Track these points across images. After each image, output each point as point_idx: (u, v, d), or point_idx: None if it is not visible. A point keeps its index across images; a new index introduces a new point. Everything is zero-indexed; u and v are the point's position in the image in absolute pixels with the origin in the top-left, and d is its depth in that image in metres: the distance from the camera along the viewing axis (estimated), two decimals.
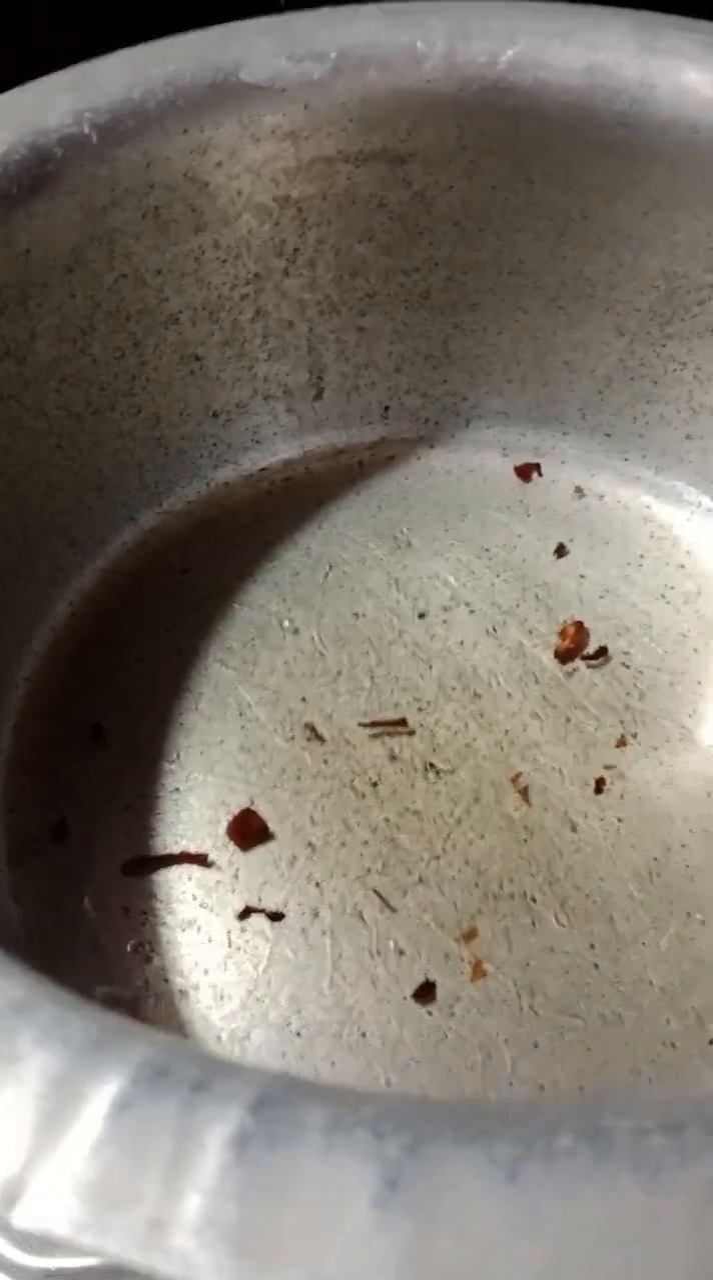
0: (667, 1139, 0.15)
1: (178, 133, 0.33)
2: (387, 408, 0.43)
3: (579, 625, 0.39)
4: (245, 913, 0.33)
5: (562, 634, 0.39)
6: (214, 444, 0.41)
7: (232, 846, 0.34)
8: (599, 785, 0.35)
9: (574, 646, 0.38)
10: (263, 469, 0.42)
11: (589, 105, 0.34)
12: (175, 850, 0.34)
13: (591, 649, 0.38)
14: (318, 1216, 0.14)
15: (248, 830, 0.34)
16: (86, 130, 0.31)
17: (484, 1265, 0.14)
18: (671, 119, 0.34)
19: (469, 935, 0.32)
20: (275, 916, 0.32)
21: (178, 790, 0.35)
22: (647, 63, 0.34)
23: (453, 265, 0.39)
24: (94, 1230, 0.14)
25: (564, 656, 0.38)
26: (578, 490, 0.42)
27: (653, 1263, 0.14)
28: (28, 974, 0.18)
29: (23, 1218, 0.14)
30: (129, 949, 0.32)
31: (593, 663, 0.38)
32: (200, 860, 0.34)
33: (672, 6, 0.36)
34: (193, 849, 0.34)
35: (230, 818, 0.34)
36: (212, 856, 0.34)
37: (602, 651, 0.38)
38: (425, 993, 0.31)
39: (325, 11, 0.34)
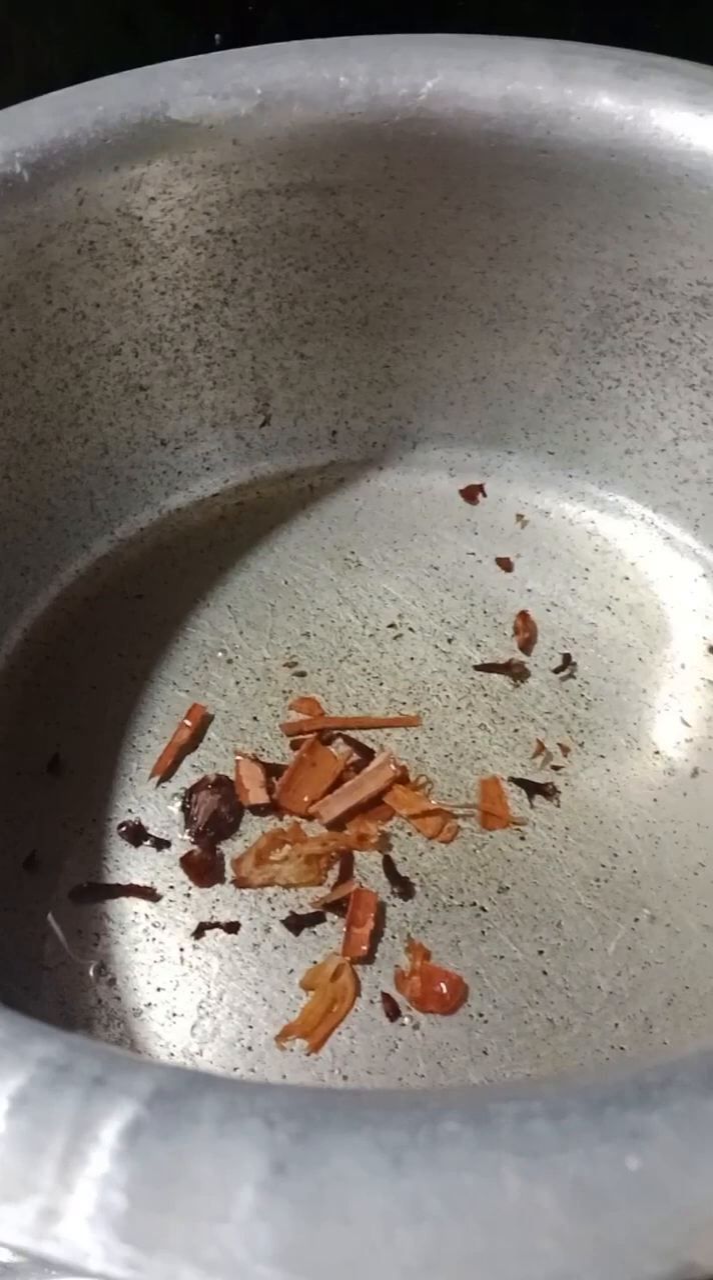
0: (549, 1123, 0.16)
1: (109, 170, 0.34)
2: (335, 432, 0.44)
3: (523, 614, 0.39)
4: (200, 930, 0.33)
5: (515, 631, 0.39)
6: (164, 471, 0.42)
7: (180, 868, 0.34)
8: (547, 794, 0.36)
9: (530, 635, 0.39)
10: (214, 495, 0.43)
11: (509, 133, 0.35)
12: (126, 878, 0.34)
13: (556, 661, 0.39)
14: (205, 1203, 0.15)
15: (196, 867, 0.34)
16: (18, 169, 0.32)
17: (363, 1252, 0.14)
18: (587, 143, 0.35)
19: (414, 953, 0.32)
20: (231, 927, 0.33)
21: (131, 813, 0.35)
22: (563, 90, 0.35)
23: (389, 291, 0.40)
24: None
25: (526, 647, 0.39)
26: (520, 518, 0.43)
27: (526, 1251, 0.15)
28: None
29: None
30: (80, 971, 0.32)
31: (562, 673, 0.38)
32: (148, 894, 0.34)
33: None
34: (146, 871, 0.34)
35: (186, 853, 0.35)
36: (162, 879, 0.34)
37: (567, 660, 0.39)
38: (386, 1003, 0.32)
39: (248, 50, 0.35)
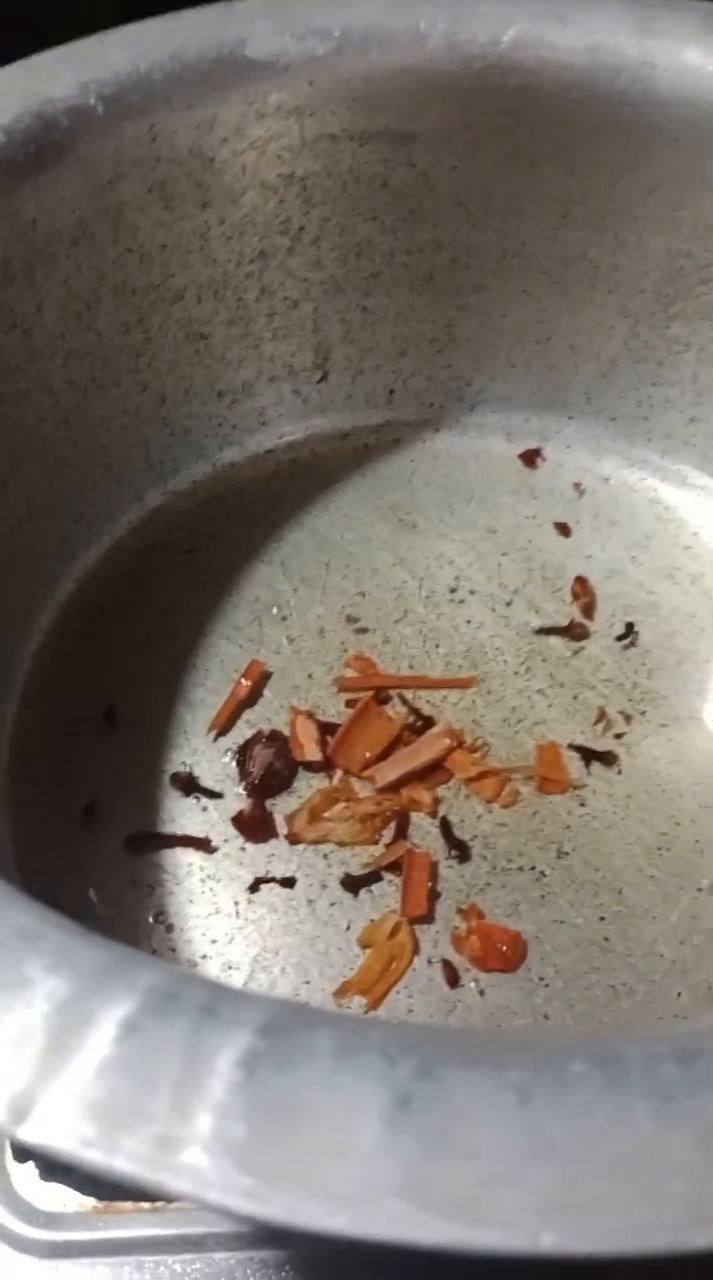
0: (679, 1067, 0.15)
1: (183, 107, 0.33)
2: (392, 391, 0.43)
3: (579, 579, 0.39)
4: (255, 885, 0.32)
5: (573, 596, 0.39)
6: (220, 425, 0.41)
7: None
8: (606, 762, 0.35)
9: (590, 599, 0.38)
10: (269, 451, 0.42)
11: (590, 84, 0.34)
12: (180, 830, 0.34)
13: (618, 628, 0.38)
14: (327, 1135, 0.14)
15: (248, 825, 0.34)
16: (93, 102, 0.32)
17: (492, 1188, 0.14)
18: (671, 97, 0.34)
19: (469, 913, 0.32)
20: (287, 882, 0.32)
21: (185, 765, 0.35)
22: (645, 42, 0.34)
23: (456, 247, 0.39)
24: (102, 1147, 0.14)
25: (587, 611, 0.38)
26: (577, 486, 0.42)
27: (658, 1192, 0.14)
28: (35, 905, 0.17)
29: (29, 1134, 0.14)
30: (134, 922, 0.32)
31: (624, 641, 0.38)
32: (203, 845, 0.33)
33: None
34: (200, 824, 0.34)
35: (237, 812, 0.34)
36: (217, 832, 0.34)
37: (629, 629, 0.38)
38: (446, 969, 0.31)
39: None
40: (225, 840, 0.33)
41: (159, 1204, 0.30)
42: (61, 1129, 0.14)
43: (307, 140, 0.36)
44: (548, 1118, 0.14)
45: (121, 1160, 0.14)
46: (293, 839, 0.33)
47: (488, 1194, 0.14)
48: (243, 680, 0.36)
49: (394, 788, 0.34)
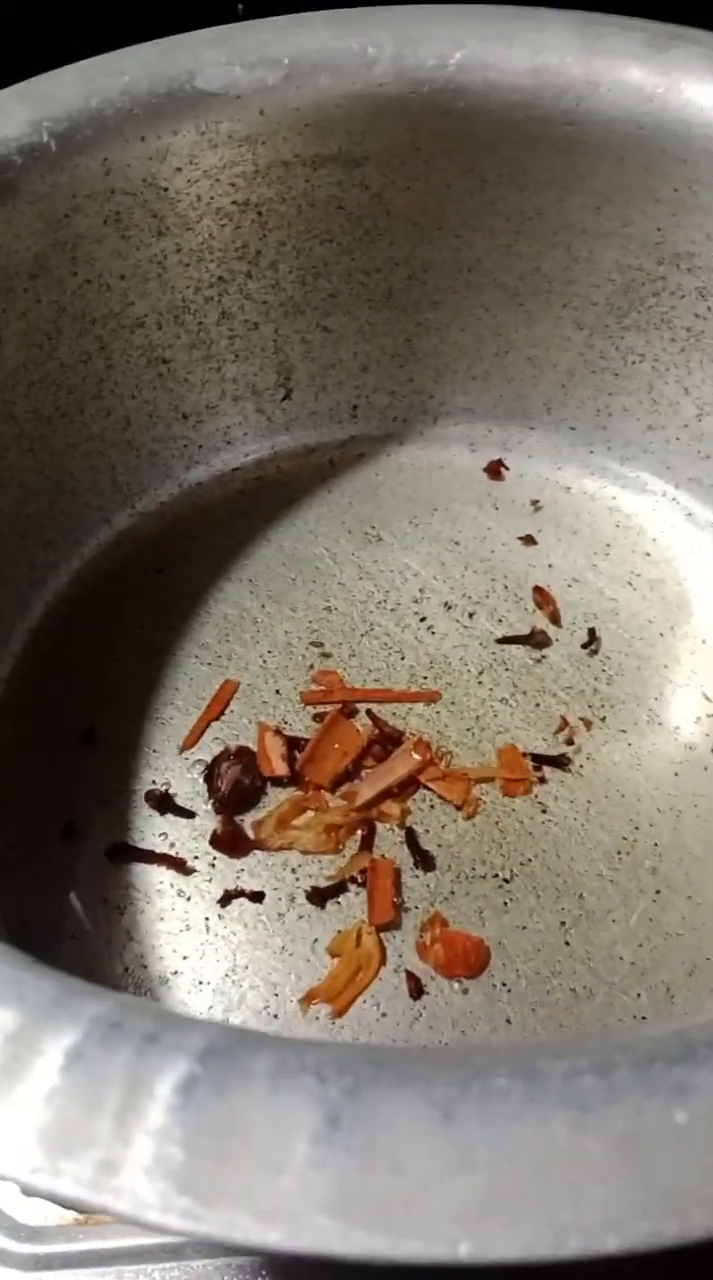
0: (597, 1079, 0.16)
1: (136, 140, 0.34)
2: (355, 406, 0.44)
3: (538, 588, 0.40)
4: (226, 898, 0.33)
5: (535, 605, 0.39)
6: (185, 445, 0.42)
7: (207, 837, 0.34)
8: (561, 765, 0.36)
9: (555, 608, 0.39)
10: (234, 469, 0.43)
11: (536, 104, 0.35)
12: (156, 848, 0.34)
13: (581, 636, 0.39)
14: (261, 1155, 0.15)
15: (225, 842, 0.34)
16: (45, 139, 0.32)
17: (418, 1197, 0.15)
18: (616, 115, 0.35)
19: (432, 922, 0.33)
20: (256, 897, 0.33)
21: (155, 784, 0.36)
22: (590, 61, 0.35)
23: (413, 264, 0.40)
24: (47, 1173, 0.15)
25: (554, 619, 0.39)
26: (534, 503, 0.43)
27: (577, 1195, 0.15)
28: None
29: None
30: (107, 940, 0.33)
31: (589, 648, 0.39)
32: (178, 865, 0.34)
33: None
34: (172, 840, 0.34)
35: (212, 831, 0.35)
36: (188, 849, 0.34)
37: (592, 635, 0.39)
38: (410, 982, 0.32)
39: (274, 21, 0.35)
40: (196, 857, 0.34)
41: None
42: (10, 1156, 0.15)
43: (260, 167, 0.36)
44: (471, 1130, 0.15)
45: (66, 1184, 0.15)
46: (258, 845, 0.34)
47: (411, 1206, 0.15)
48: (215, 700, 0.37)
49: (369, 806, 0.35)
